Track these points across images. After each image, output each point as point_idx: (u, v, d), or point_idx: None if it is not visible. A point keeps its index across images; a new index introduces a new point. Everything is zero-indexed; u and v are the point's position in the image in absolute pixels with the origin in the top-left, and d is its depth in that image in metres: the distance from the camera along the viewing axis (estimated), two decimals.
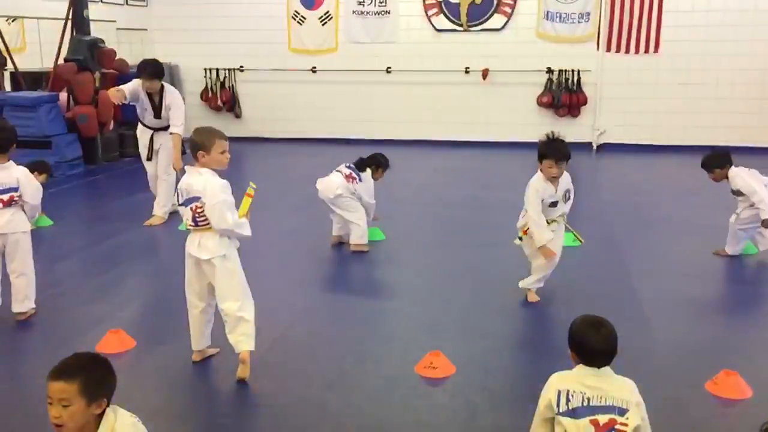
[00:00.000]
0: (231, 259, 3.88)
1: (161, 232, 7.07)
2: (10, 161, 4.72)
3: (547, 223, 4.76)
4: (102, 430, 2.35)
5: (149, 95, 6.97)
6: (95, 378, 2.34)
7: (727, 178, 5.85)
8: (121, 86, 6.96)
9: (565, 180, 4.81)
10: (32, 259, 4.85)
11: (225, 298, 3.89)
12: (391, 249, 6.39)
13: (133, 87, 6.94)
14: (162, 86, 6.99)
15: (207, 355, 4.17)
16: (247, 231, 3.85)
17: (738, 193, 5.83)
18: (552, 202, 4.74)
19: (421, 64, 11.83)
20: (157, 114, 7.05)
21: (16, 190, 4.68)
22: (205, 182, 3.77)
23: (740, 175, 5.77)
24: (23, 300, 4.78)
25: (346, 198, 6.05)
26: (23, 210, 4.78)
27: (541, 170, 4.69)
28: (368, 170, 6.24)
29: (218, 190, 3.76)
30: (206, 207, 3.76)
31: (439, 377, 3.94)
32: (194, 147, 3.84)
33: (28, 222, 4.84)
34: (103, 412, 2.37)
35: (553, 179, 4.69)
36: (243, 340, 3.91)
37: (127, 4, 12.22)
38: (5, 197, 4.64)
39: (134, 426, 2.41)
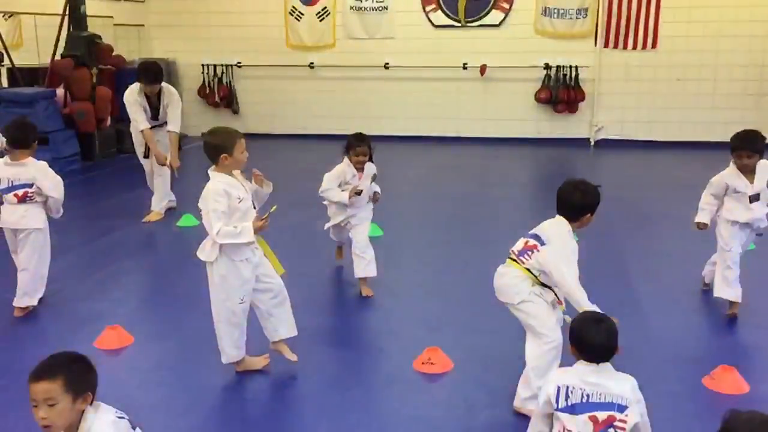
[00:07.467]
0: (218, 272, 3.72)
1: (159, 229, 7.05)
2: (30, 158, 4.72)
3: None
4: (81, 429, 2.32)
5: (147, 97, 6.91)
6: (77, 373, 2.32)
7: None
8: (136, 119, 6.86)
9: None
10: (42, 257, 4.85)
11: (211, 302, 3.88)
12: (388, 245, 6.38)
13: (135, 103, 6.83)
14: (160, 87, 6.95)
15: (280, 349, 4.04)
16: (239, 239, 3.62)
17: None
18: None
19: (419, 60, 11.80)
20: (155, 115, 7.00)
21: (30, 186, 4.69)
22: (205, 189, 3.69)
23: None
24: (22, 296, 4.79)
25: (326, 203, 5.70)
26: (44, 206, 4.80)
27: (571, 222, 3.46)
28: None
29: (208, 197, 3.63)
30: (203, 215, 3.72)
31: (437, 373, 3.95)
32: (215, 150, 3.64)
33: (45, 219, 4.84)
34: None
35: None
36: (221, 350, 3.93)
37: None
38: (19, 192, 4.67)
39: (113, 425, 2.35)
